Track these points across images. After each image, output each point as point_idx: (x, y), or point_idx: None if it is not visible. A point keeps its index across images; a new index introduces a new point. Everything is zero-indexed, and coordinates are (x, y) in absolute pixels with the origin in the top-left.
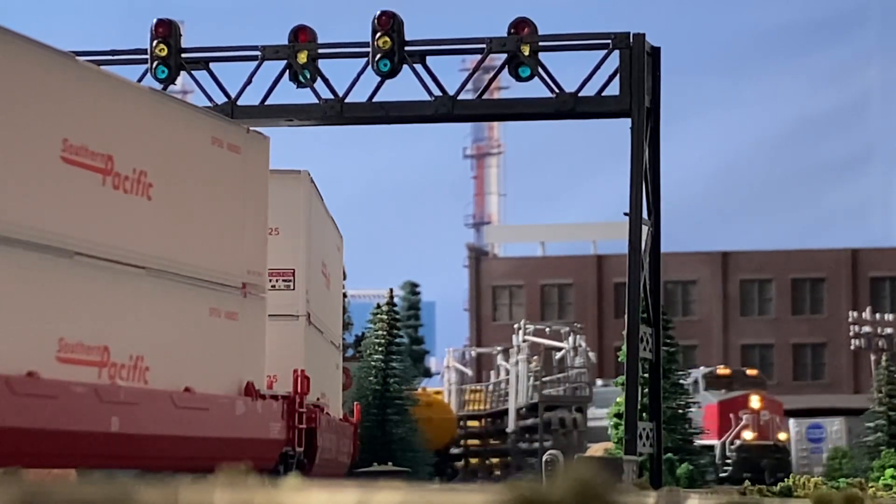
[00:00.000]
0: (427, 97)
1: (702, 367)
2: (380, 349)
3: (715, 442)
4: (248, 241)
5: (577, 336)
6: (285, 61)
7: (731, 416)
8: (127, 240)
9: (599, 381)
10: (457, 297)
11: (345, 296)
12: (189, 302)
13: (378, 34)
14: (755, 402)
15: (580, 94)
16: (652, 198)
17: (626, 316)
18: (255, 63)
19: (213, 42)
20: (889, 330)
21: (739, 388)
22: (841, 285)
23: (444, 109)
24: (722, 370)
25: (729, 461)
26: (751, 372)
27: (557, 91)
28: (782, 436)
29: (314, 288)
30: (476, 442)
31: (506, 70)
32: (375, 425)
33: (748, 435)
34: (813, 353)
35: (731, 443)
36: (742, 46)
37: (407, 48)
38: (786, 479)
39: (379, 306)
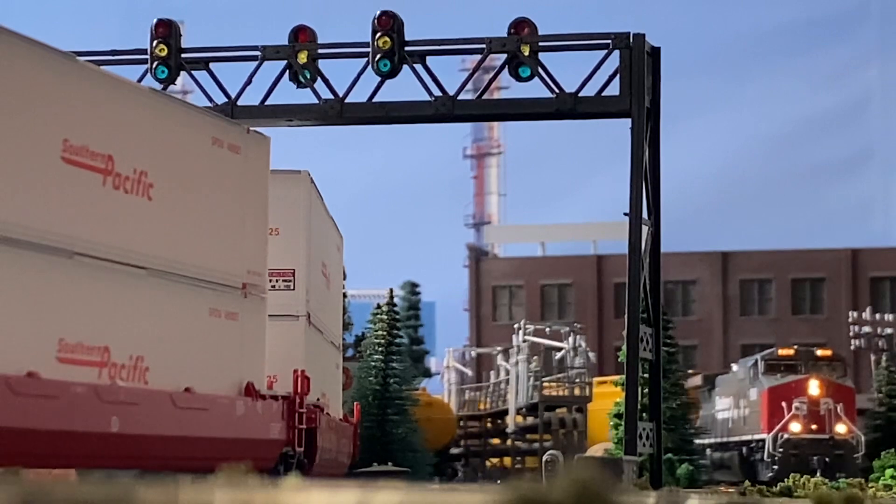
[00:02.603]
0: (427, 97)
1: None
2: (380, 349)
3: (765, 436)
4: (249, 242)
5: (577, 336)
6: (285, 61)
7: (784, 404)
8: (127, 240)
9: (735, 366)
10: (457, 297)
11: (345, 296)
12: (189, 302)
13: (378, 34)
14: (814, 387)
15: (580, 95)
16: (652, 198)
17: (626, 316)
18: (255, 63)
19: (213, 42)
20: (889, 330)
21: (805, 371)
22: (841, 285)
23: (444, 109)
24: (784, 350)
25: (776, 459)
26: (822, 352)
27: (557, 91)
28: (841, 428)
29: (314, 288)
30: (476, 442)
31: (506, 70)
32: (375, 425)
33: (796, 427)
34: None
35: (778, 437)
36: (742, 46)
37: (407, 48)
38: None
39: (379, 306)
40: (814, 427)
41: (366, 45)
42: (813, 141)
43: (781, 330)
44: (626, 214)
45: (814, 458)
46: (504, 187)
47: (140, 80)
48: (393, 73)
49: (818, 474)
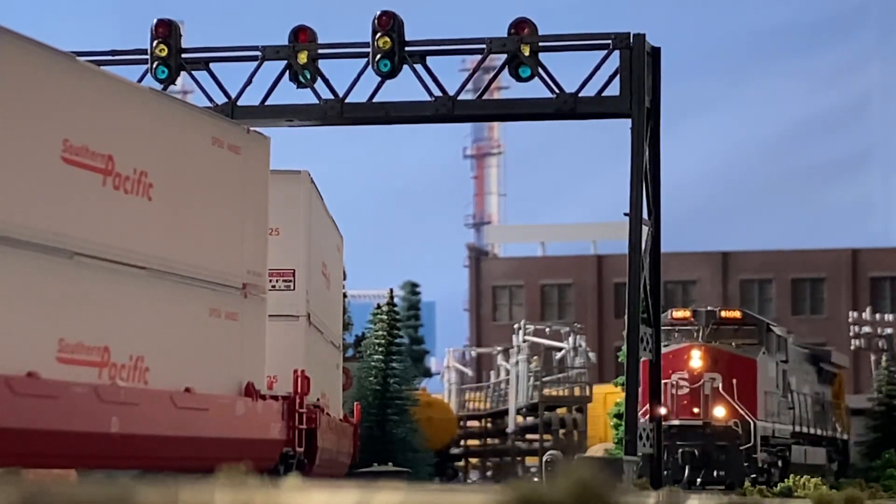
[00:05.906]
0: (427, 97)
1: None
2: (380, 349)
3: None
4: (248, 242)
5: (577, 336)
6: (285, 61)
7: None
8: (127, 240)
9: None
10: (457, 297)
11: (345, 296)
12: (189, 302)
13: (378, 34)
14: (696, 359)
15: (580, 95)
16: (652, 198)
17: (626, 316)
18: (256, 63)
19: (213, 42)
20: (889, 330)
21: (706, 338)
22: (841, 285)
23: (444, 110)
24: (679, 313)
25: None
26: (728, 313)
27: (557, 91)
28: (719, 412)
29: (314, 288)
30: (476, 442)
31: (506, 70)
32: (375, 425)
33: (661, 410)
34: None
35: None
36: (742, 47)
37: (407, 48)
38: (741, 486)
39: (379, 306)
40: (695, 410)
41: (366, 45)
42: (813, 141)
43: None
44: (626, 214)
45: (679, 451)
46: (504, 187)
47: (140, 80)
48: (393, 73)
49: (686, 471)
